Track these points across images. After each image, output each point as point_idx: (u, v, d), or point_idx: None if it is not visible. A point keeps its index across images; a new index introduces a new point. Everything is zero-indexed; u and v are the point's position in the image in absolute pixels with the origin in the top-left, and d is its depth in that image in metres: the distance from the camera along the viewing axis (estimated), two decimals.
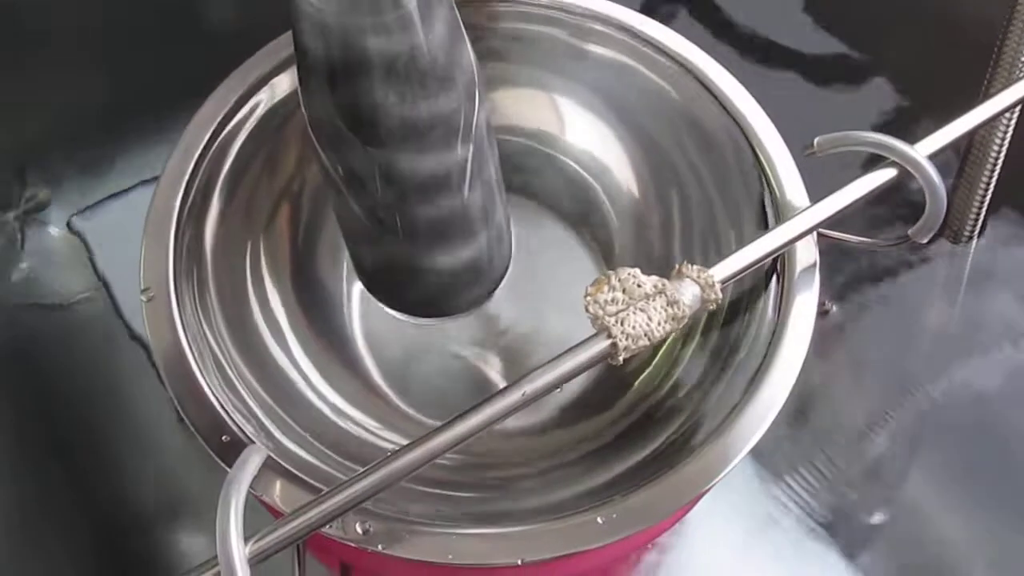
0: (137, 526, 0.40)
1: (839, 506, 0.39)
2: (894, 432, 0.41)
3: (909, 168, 0.31)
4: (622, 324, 0.27)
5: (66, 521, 0.40)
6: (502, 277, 0.34)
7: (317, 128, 0.29)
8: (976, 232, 0.44)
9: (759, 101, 0.35)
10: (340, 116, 0.27)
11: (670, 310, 0.28)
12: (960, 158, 0.43)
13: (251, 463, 0.26)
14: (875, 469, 0.40)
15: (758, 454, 0.40)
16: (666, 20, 0.38)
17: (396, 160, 0.28)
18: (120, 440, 0.41)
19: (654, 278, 0.28)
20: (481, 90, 0.29)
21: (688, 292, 0.29)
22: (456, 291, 0.33)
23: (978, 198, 0.43)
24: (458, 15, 0.27)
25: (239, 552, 0.24)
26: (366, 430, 0.34)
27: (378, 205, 0.29)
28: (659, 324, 0.28)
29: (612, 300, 0.28)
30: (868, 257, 0.44)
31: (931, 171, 0.31)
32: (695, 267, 0.29)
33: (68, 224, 0.47)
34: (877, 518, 0.39)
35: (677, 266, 0.29)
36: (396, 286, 0.33)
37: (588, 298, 0.28)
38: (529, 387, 0.27)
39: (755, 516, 0.39)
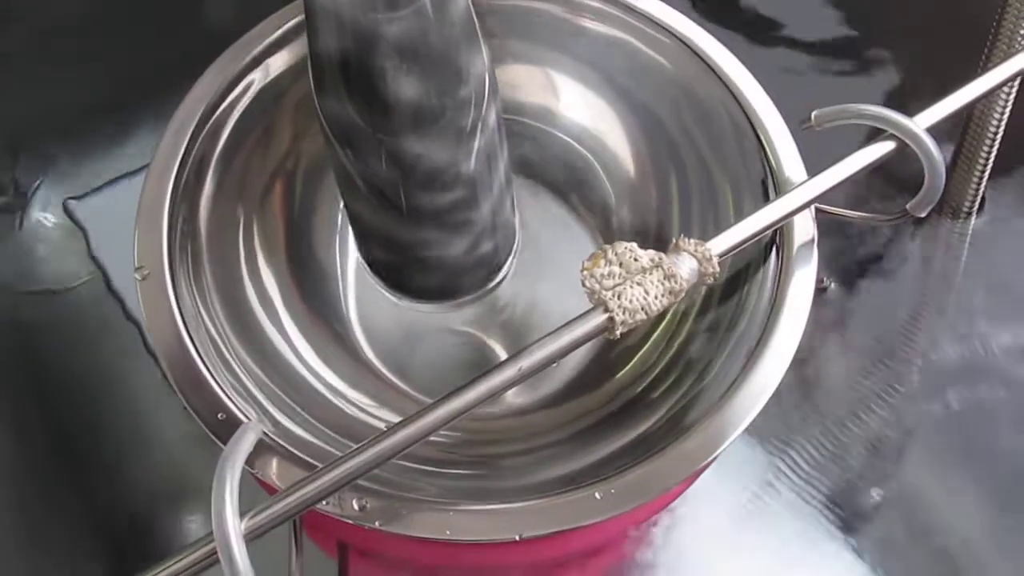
0: (135, 508, 0.40)
1: (839, 482, 0.39)
2: (894, 409, 0.41)
3: (907, 141, 0.31)
4: (619, 298, 0.27)
5: (64, 505, 0.40)
6: (506, 263, 0.34)
7: (332, 122, 0.29)
8: (975, 208, 0.44)
9: (759, 77, 0.35)
10: (354, 110, 0.27)
11: (667, 284, 0.28)
12: (959, 133, 0.42)
13: (246, 440, 0.26)
14: (874, 446, 0.40)
15: (758, 430, 0.40)
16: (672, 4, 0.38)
17: (410, 152, 0.28)
18: (118, 425, 0.41)
19: (651, 252, 0.28)
20: (493, 78, 0.29)
21: (685, 266, 0.28)
22: (462, 278, 0.33)
23: (977, 173, 0.42)
24: (472, 8, 0.27)
25: (235, 528, 0.24)
26: (362, 409, 0.33)
27: (391, 196, 0.29)
28: (656, 298, 0.28)
29: (609, 274, 0.28)
30: (868, 234, 0.44)
31: (929, 143, 0.31)
32: (692, 241, 0.29)
33: (64, 209, 0.47)
34: (876, 495, 0.39)
35: (675, 240, 0.29)
36: (403, 273, 0.33)
37: (585, 272, 0.28)
38: (526, 362, 0.27)
39: (755, 493, 0.39)
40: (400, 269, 0.33)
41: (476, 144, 0.29)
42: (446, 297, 0.34)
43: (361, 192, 0.30)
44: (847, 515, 0.38)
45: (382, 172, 0.29)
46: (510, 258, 0.34)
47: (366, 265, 0.34)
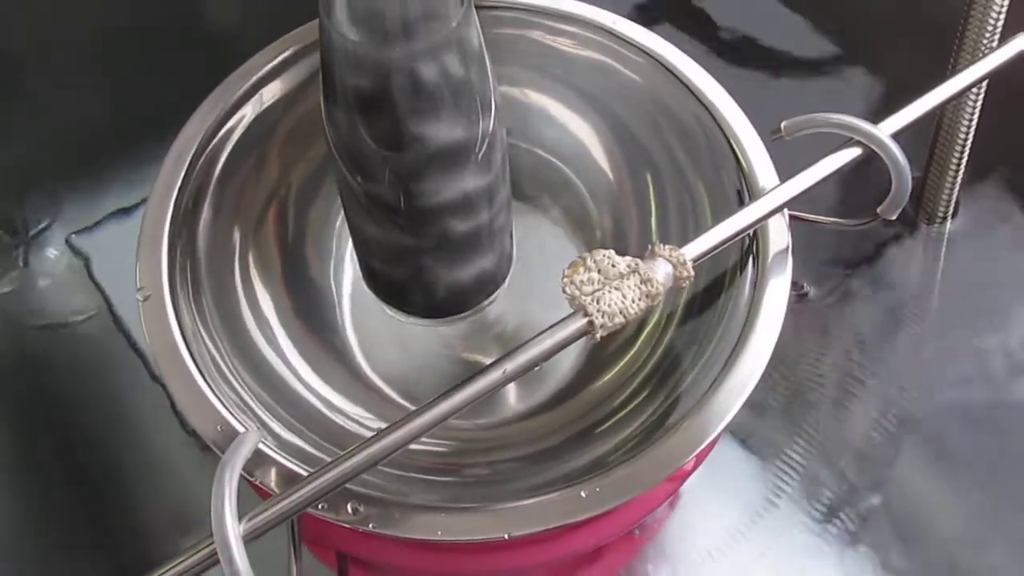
0: (139, 533, 0.41)
1: (833, 489, 0.40)
2: (878, 413, 0.42)
3: (873, 147, 0.33)
4: (598, 303, 0.28)
5: (70, 531, 0.41)
6: (503, 282, 0.35)
7: (344, 155, 0.30)
8: (950, 212, 0.45)
9: (732, 91, 0.37)
10: (369, 140, 0.28)
11: (644, 288, 0.29)
12: (931, 139, 0.44)
13: (245, 446, 0.27)
14: (867, 452, 0.41)
15: (749, 438, 0.41)
16: (646, 20, 0.39)
17: (422, 181, 0.29)
18: (124, 453, 0.42)
19: (628, 258, 0.30)
20: (499, 106, 0.30)
21: (661, 271, 0.30)
22: (463, 299, 0.34)
23: (949, 179, 0.44)
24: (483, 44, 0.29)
25: (233, 529, 0.25)
26: (357, 422, 0.34)
27: (402, 223, 0.31)
28: (633, 301, 0.29)
29: (588, 280, 0.29)
30: (847, 240, 0.45)
31: (894, 149, 0.32)
32: (667, 247, 0.30)
33: (68, 243, 0.48)
34: (870, 500, 0.40)
35: (650, 246, 0.30)
36: (404, 295, 0.34)
37: (565, 279, 0.29)
38: (510, 365, 0.28)
39: (749, 501, 0.40)
40: (402, 288, 0.34)
41: (488, 172, 0.30)
42: (445, 314, 0.35)
43: (370, 215, 0.31)
44: (840, 525, 0.39)
45: (392, 200, 0.30)
46: (508, 276, 0.36)
47: (366, 280, 0.35)
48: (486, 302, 0.35)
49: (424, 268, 0.32)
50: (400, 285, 0.34)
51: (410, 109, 0.27)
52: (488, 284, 0.34)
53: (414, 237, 0.31)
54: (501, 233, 0.33)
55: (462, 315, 0.35)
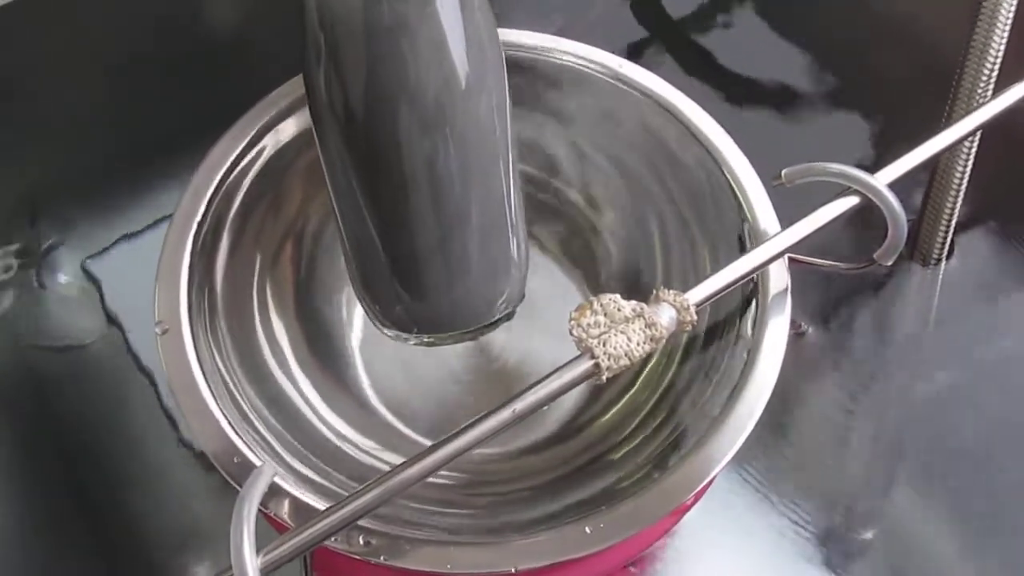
0: (147, 558, 0.41)
1: (828, 520, 0.41)
2: (876, 447, 0.43)
3: (870, 196, 0.34)
4: (604, 345, 0.30)
5: (79, 554, 0.41)
6: (514, 309, 0.36)
7: (338, 193, 0.31)
8: (944, 255, 0.46)
9: (737, 136, 0.37)
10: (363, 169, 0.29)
11: (648, 331, 0.30)
12: (927, 183, 0.45)
13: (262, 480, 0.28)
14: (862, 487, 0.42)
15: (747, 470, 0.42)
16: (651, 59, 0.40)
17: (425, 203, 0.30)
18: (133, 477, 0.43)
19: (633, 302, 0.31)
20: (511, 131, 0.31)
21: (665, 315, 0.31)
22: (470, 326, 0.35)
23: (944, 222, 0.45)
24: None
25: (252, 562, 0.26)
26: (368, 453, 0.35)
27: (400, 252, 0.32)
28: (638, 345, 0.30)
29: (595, 323, 0.30)
30: (846, 282, 0.46)
31: (890, 197, 0.33)
32: (671, 292, 0.31)
33: (82, 267, 0.49)
34: (865, 531, 0.41)
35: (655, 291, 0.31)
36: (409, 318, 0.35)
37: (572, 322, 0.30)
38: (519, 405, 0.29)
39: (745, 531, 0.41)
40: (407, 313, 0.34)
41: (500, 185, 0.31)
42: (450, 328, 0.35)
43: (378, 260, 0.32)
44: (839, 552, 0.40)
45: (400, 230, 0.31)
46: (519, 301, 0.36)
47: (374, 320, 0.36)
48: (490, 330, 0.35)
49: (426, 308, 0.33)
50: (401, 314, 0.34)
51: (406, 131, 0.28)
52: (494, 313, 0.34)
53: (411, 266, 0.31)
54: (512, 260, 0.33)
55: (469, 331, 0.35)
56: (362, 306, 0.35)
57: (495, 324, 0.35)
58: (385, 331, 0.35)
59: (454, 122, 0.30)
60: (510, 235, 0.33)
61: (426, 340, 0.35)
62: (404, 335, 0.35)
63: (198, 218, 0.36)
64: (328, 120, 0.30)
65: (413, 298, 0.34)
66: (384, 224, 0.32)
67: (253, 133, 0.38)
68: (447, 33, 0.28)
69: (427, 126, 0.29)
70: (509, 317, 0.35)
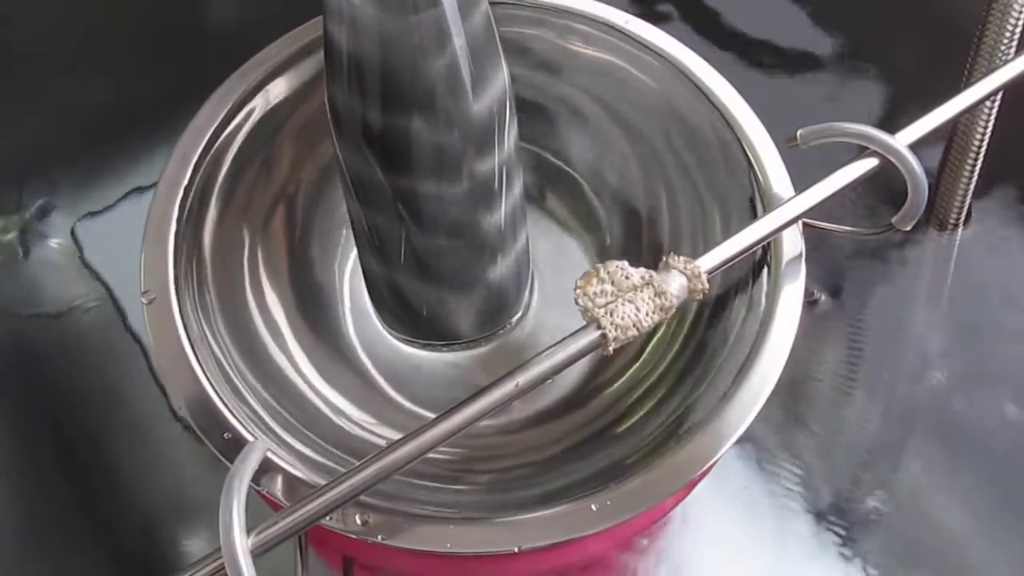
0: (139, 528, 0.40)
1: (837, 493, 0.40)
2: (887, 417, 0.42)
3: (890, 157, 0.32)
4: (611, 315, 0.28)
5: (69, 525, 0.40)
6: (519, 307, 0.35)
7: (355, 178, 0.30)
8: (962, 220, 0.45)
9: (747, 97, 0.36)
10: (374, 155, 0.28)
11: (658, 300, 0.29)
12: (945, 145, 0.43)
13: (252, 457, 0.27)
14: (870, 455, 0.41)
15: (754, 443, 0.41)
16: (659, 20, 0.39)
17: (428, 192, 0.29)
18: (122, 446, 0.42)
19: (641, 270, 0.29)
20: (512, 112, 0.30)
21: (675, 283, 0.29)
22: (474, 329, 0.34)
23: (962, 186, 0.43)
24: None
25: (242, 544, 0.25)
26: (364, 427, 0.34)
27: (409, 237, 0.30)
28: (647, 315, 0.29)
29: (601, 292, 0.29)
30: (858, 248, 0.45)
31: (911, 159, 0.32)
32: (681, 258, 0.30)
33: (71, 232, 0.48)
34: (874, 504, 0.40)
35: (664, 258, 0.30)
36: (410, 324, 0.34)
37: (578, 291, 0.29)
38: (522, 378, 0.28)
39: (752, 505, 0.40)
40: (408, 320, 0.34)
41: (501, 208, 0.30)
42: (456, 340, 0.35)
43: (382, 251, 0.31)
44: (847, 525, 0.39)
45: (405, 234, 0.30)
46: (519, 310, 0.35)
47: (375, 314, 0.35)
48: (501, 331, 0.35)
49: (429, 294, 0.32)
50: (405, 312, 0.34)
51: (416, 116, 0.27)
52: (502, 313, 0.34)
53: (420, 250, 0.31)
54: (512, 264, 0.33)
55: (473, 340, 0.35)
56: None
57: (493, 336, 0.35)
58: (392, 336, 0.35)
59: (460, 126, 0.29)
60: (509, 251, 0.33)
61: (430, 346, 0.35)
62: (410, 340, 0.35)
63: (184, 184, 0.34)
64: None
65: (415, 308, 0.33)
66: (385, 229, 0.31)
67: (242, 93, 0.36)
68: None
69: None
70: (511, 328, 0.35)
